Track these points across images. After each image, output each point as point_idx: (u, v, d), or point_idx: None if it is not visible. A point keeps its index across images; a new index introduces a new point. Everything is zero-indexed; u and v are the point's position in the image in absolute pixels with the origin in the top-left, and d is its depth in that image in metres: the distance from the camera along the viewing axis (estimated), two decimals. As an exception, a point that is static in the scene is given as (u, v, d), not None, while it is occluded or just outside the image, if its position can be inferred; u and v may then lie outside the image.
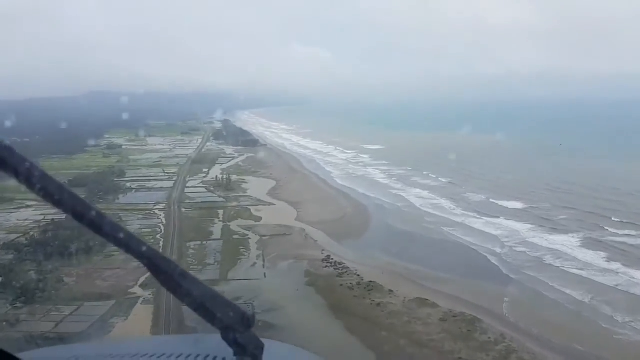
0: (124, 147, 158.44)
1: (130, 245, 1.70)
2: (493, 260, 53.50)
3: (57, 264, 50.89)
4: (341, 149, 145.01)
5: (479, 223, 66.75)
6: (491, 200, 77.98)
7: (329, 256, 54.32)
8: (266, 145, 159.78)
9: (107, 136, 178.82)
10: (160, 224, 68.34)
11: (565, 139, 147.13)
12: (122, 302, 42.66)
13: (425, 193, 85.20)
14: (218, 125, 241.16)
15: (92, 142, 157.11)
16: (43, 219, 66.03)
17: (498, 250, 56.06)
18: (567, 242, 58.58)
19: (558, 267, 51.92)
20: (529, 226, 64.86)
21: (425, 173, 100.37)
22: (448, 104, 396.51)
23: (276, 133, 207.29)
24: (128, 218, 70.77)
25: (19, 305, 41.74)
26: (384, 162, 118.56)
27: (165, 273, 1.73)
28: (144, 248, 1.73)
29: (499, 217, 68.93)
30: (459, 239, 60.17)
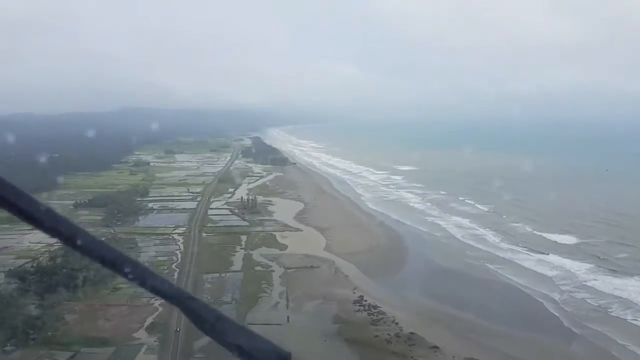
0: (151, 164, 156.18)
1: (157, 286, 1.67)
2: (551, 308, 46.43)
3: (61, 296, 46.43)
4: (372, 169, 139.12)
5: (529, 260, 59.73)
6: (538, 232, 70.96)
7: (362, 297, 48.17)
8: (295, 163, 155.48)
9: (137, 152, 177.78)
10: (178, 251, 63.25)
11: (611, 163, 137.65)
12: (122, 349, 37.21)
13: (465, 222, 78.47)
14: (248, 142, 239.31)
15: (120, 158, 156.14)
16: (55, 242, 61.94)
17: (556, 296, 48.87)
18: (634, 288, 51.27)
19: (628, 320, 44.68)
20: (587, 266, 57.64)
21: (461, 198, 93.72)
22: (480, 122, 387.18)
23: (305, 151, 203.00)
24: (144, 243, 66.17)
25: (9, 349, 36.91)
26: (418, 184, 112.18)
27: (199, 315, 1.69)
28: (173, 289, 1.71)
29: (549, 254, 61.97)
30: (509, 280, 53.24)
